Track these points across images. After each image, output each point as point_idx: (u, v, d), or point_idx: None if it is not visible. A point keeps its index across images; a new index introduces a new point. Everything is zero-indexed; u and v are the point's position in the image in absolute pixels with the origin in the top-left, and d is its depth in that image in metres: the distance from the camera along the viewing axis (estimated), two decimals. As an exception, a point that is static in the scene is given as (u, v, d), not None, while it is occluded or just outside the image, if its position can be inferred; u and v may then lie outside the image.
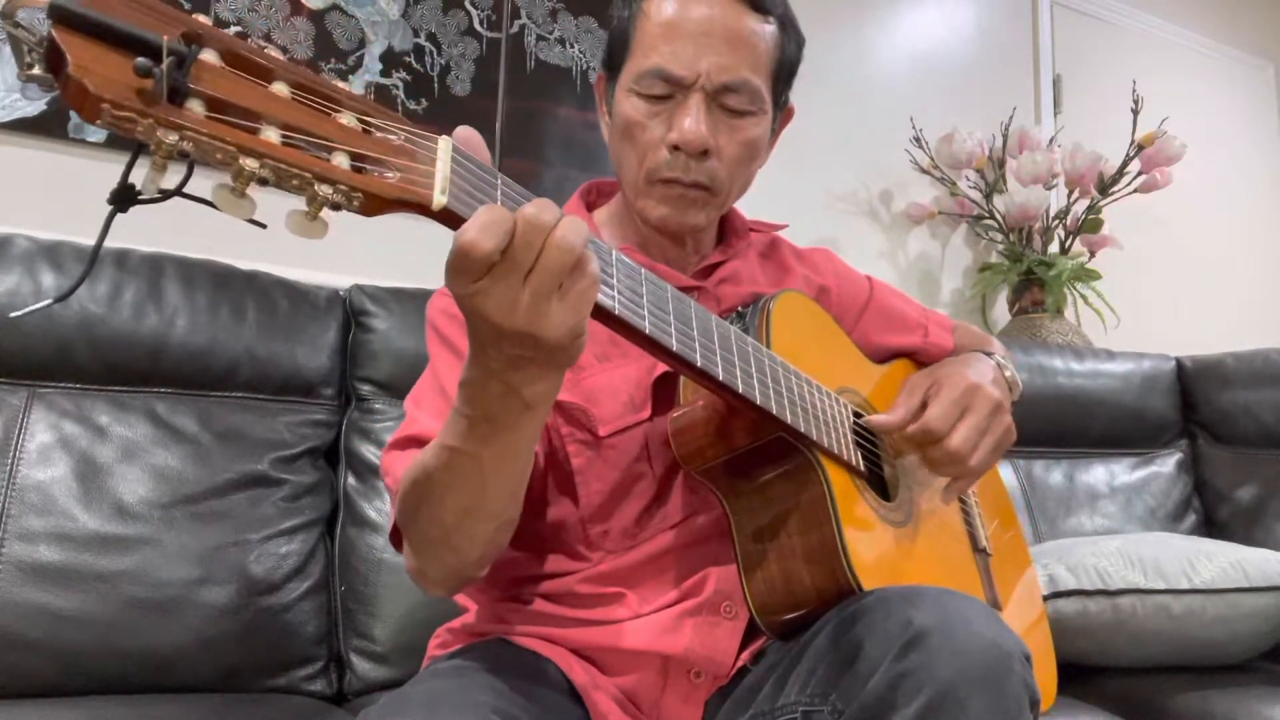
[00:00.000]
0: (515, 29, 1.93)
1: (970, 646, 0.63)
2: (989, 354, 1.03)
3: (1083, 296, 2.40)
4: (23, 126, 1.49)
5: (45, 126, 1.51)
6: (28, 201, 1.48)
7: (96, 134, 1.54)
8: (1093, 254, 2.41)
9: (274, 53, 0.49)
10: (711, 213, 0.92)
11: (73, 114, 1.51)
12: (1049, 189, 2.33)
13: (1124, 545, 1.45)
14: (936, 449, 0.87)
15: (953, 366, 0.95)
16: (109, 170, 1.55)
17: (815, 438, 0.79)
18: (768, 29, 0.88)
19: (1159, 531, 1.78)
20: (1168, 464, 1.95)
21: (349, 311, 1.45)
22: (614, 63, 0.91)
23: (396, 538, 0.81)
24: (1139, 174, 2.35)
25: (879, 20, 2.51)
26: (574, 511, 0.86)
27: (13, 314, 0.84)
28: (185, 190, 0.49)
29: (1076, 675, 1.40)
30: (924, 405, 0.90)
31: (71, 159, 1.54)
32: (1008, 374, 1.01)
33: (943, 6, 2.64)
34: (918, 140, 2.42)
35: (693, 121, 0.84)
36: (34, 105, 1.50)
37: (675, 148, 0.85)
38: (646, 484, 0.86)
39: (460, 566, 0.77)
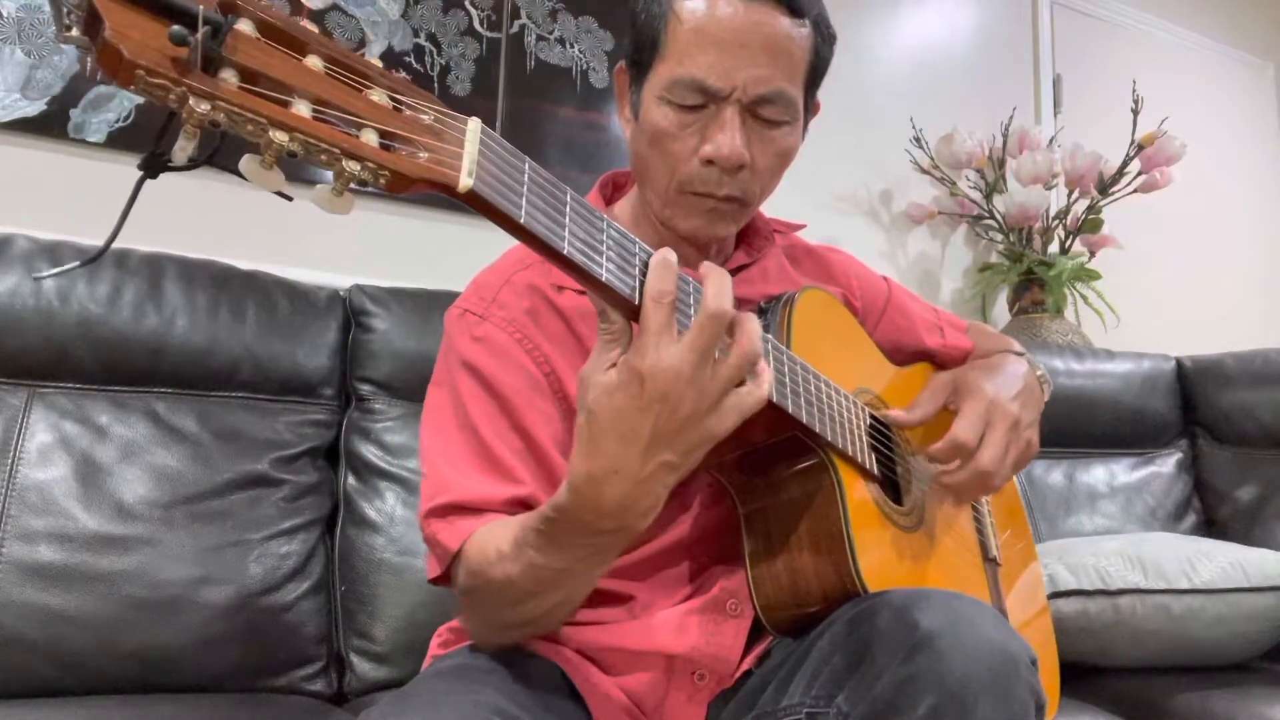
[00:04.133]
0: (515, 29, 1.92)
1: (977, 650, 0.63)
2: (1019, 354, 1.00)
3: (1083, 296, 2.40)
4: (23, 126, 1.49)
5: (45, 126, 1.50)
6: (28, 201, 1.48)
7: (97, 134, 1.54)
8: (1093, 254, 2.41)
9: (309, 25, 0.49)
10: (741, 222, 0.91)
11: (72, 114, 1.51)
12: (1049, 189, 2.32)
13: (1124, 545, 1.45)
14: (962, 467, 0.85)
15: (975, 375, 0.92)
16: (109, 170, 1.55)
17: (830, 439, 0.78)
18: (803, 33, 0.83)
19: (1159, 531, 1.78)
20: (1168, 464, 1.95)
21: (349, 311, 1.45)
22: (640, 61, 0.86)
23: (444, 581, 0.81)
24: (1139, 174, 2.35)
25: (879, 20, 2.51)
26: None
27: (35, 276, 0.84)
28: (214, 160, 0.49)
29: (1076, 675, 1.40)
30: (944, 410, 0.87)
31: (71, 159, 1.53)
32: (1039, 373, 0.99)
33: (943, 6, 2.64)
34: (918, 140, 2.42)
35: (729, 136, 0.81)
36: (34, 105, 1.50)
37: (709, 162, 0.82)
38: None
39: (531, 637, 0.81)
